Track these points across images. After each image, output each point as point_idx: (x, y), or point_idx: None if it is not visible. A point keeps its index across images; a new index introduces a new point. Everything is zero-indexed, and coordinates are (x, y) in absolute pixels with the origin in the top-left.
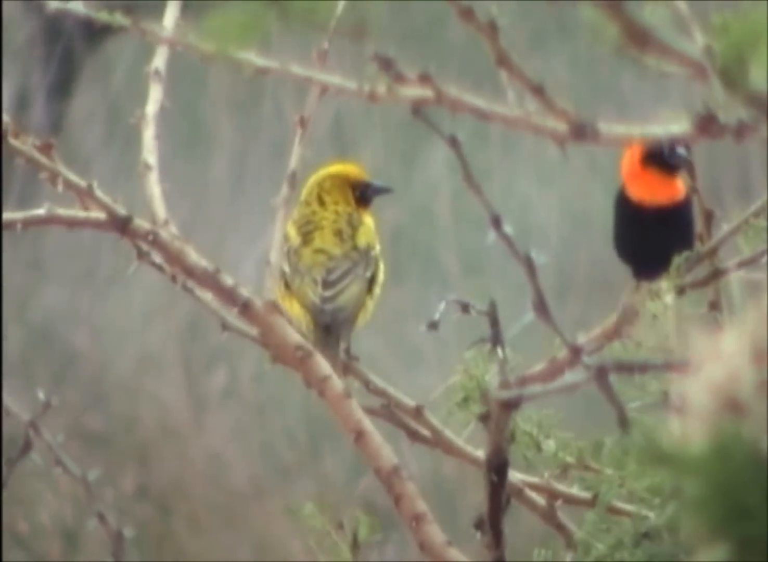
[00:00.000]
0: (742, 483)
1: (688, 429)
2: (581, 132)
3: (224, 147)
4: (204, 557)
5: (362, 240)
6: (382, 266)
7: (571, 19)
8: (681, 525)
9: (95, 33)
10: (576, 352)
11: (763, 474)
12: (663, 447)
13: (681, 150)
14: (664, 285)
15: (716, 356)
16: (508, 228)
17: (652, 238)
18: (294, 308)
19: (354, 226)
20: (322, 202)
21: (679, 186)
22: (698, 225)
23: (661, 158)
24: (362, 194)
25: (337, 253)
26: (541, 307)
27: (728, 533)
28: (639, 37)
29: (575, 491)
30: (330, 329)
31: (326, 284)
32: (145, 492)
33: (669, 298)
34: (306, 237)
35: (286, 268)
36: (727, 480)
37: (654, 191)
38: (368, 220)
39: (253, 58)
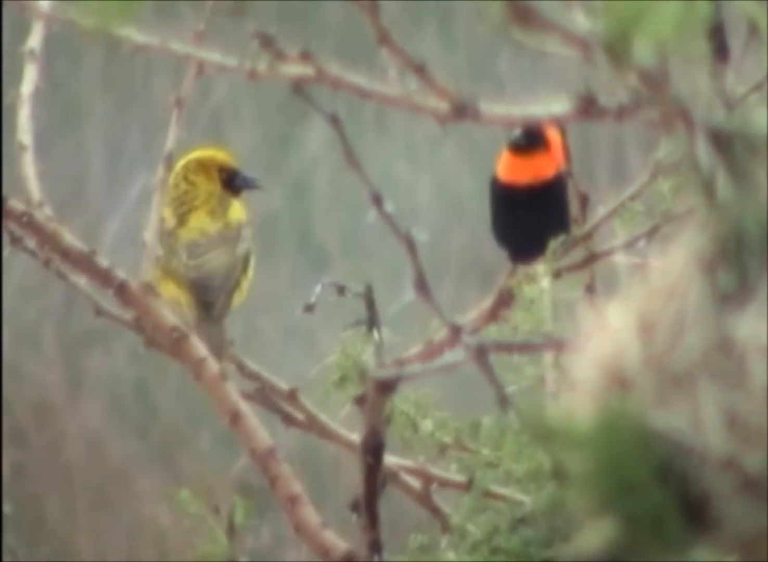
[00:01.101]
0: (629, 459)
1: (575, 405)
2: (462, 111)
3: (100, 128)
4: (79, 537)
5: (233, 217)
6: (254, 248)
7: None
8: (559, 507)
9: None
10: (456, 332)
11: (649, 449)
12: (549, 423)
13: (518, 133)
14: (541, 269)
15: (602, 332)
16: (389, 206)
17: (524, 220)
18: (171, 290)
19: (224, 207)
20: (192, 183)
21: (545, 166)
22: (574, 208)
23: (519, 139)
24: (230, 181)
25: (211, 231)
26: (422, 286)
27: (615, 509)
28: (522, 14)
29: (451, 473)
30: (208, 304)
31: (191, 255)
32: (21, 472)
33: (545, 281)
34: (182, 218)
35: (160, 252)
36: (614, 456)
37: (517, 171)
38: (236, 202)
39: (134, 34)
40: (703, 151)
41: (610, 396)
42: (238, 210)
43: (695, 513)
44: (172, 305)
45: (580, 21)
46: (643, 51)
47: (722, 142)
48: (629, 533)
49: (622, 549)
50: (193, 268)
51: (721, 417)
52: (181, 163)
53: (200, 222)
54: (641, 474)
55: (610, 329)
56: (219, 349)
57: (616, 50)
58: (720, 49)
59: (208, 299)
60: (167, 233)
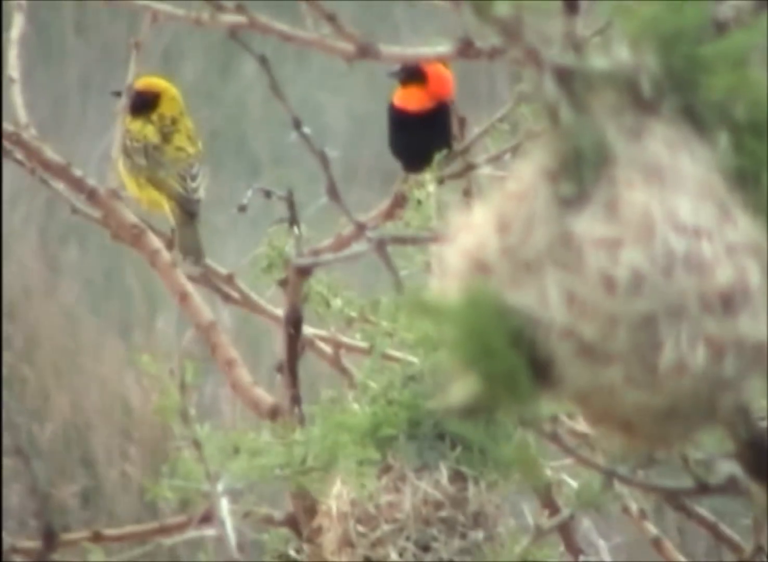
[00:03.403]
0: (488, 329)
1: (445, 287)
2: (365, 51)
3: (75, 63)
4: (60, 396)
5: (200, 143)
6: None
7: None
8: (441, 367)
9: None
10: (360, 228)
11: (504, 322)
12: (427, 301)
13: (396, 69)
14: (427, 176)
15: (468, 228)
16: (306, 129)
17: (413, 138)
18: (153, 195)
19: (195, 134)
20: (182, 113)
21: (431, 96)
22: (454, 128)
23: (397, 74)
24: None
25: (192, 152)
26: (333, 192)
27: (477, 369)
28: None
29: (357, 341)
30: (194, 215)
31: (192, 178)
32: (9, 342)
33: (431, 187)
34: (166, 137)
35: (143, 162)
36: (476, 327)
37: (406, 100)
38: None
39: None
40: (549, 85)
41: (474, 279)
42: (199, 137)
43: (542, 373)
44: (151, 207)
45: None
46: (502, 6)
47: (565, 78)
48: (488, 388)
49: (483, 402)
50: (194, 190)
51: (562, 296)
52: (176, 96)
53: (183, 143)
54: (498, 342)
55: (474, 226)
56: (197, 245)
57: (481, 5)
58: (570, 3)
59: (194, 210)
60: (150, 147)
